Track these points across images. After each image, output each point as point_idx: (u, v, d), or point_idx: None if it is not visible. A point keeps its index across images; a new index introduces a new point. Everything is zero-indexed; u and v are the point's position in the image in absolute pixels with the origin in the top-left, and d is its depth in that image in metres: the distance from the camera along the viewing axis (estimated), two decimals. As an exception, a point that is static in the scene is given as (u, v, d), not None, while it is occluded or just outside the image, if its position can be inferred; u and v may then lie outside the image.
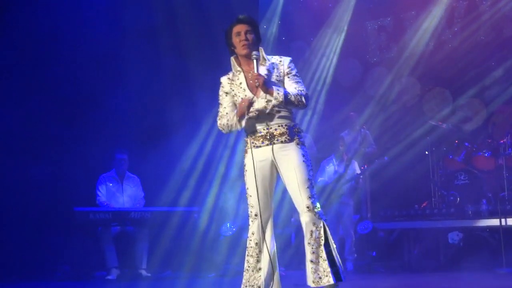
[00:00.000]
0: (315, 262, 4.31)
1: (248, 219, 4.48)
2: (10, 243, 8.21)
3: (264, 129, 4.42)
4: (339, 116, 9.96)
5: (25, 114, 8.47)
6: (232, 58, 4.56)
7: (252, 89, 4.43)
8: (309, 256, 4.33)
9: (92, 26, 8.83)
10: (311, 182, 4.36)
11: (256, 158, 4.41)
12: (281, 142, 4.39)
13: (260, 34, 4.55)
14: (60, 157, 8.61)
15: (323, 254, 4.30)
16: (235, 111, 4.47)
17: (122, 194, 8.41)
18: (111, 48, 8.86)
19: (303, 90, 4.45)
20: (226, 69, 4.64)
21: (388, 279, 7.14)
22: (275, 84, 4.41)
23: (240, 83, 4.49)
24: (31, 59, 8.59)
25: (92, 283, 7.83)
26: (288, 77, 4.48)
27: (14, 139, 8.41)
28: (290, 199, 4.46)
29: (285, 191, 4.60)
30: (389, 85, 10.22)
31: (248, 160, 4.45)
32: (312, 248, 4.32)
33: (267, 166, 4.43)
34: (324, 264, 4.29)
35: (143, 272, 7.97)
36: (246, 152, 4.49)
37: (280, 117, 4.41)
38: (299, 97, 4.39)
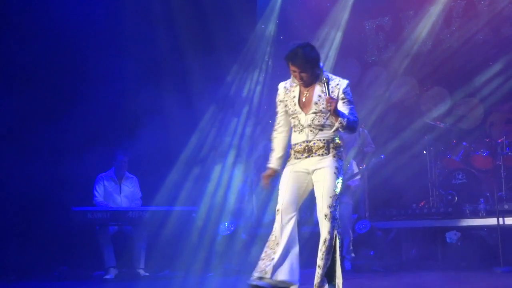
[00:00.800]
0: (322, 268, 4.59)
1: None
2: (8, 242, 8.21)
3: (304, 143, 4.70)
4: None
5: (21, 113, 8.46)
6: None
7: (303, 106, 4.68)
8: (319, 261, 4.62)
9: (93, 26, 8.84)
10: (335, 194, 4.60)
11: (295, 168, 4.72)
12: (319, 155, 4.66)
13: (318, 62, 4.66)
14: (58, 156, 8.60)
15: (329, 264, 4.59)
16: (273, 157, 4.83)
17: (119, 194, 8.40)
18: (110, 48, 8.85)
19: (356, 116, 4.68)
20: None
21: (386, 278, 7.14)
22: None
23: (294, 97, 4.74)
24: (29, 55, 8.56)
25: (90, 283, 7.83)
26: (343, 102, 4.66)
27: (11, 138, 8.40)
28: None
29: None
30: (387, 85, 10.21)
31: (287, 168, 4.76)
32: (323, 254, 4.59)
33: (302, 176, 4.72)
34: (328, 274, 4.59)
35: (141, 272, 7.97)
36: (288, 160, 4.80)
37: (321, 133, 4.68)
38: (354, 123, 4.65)
